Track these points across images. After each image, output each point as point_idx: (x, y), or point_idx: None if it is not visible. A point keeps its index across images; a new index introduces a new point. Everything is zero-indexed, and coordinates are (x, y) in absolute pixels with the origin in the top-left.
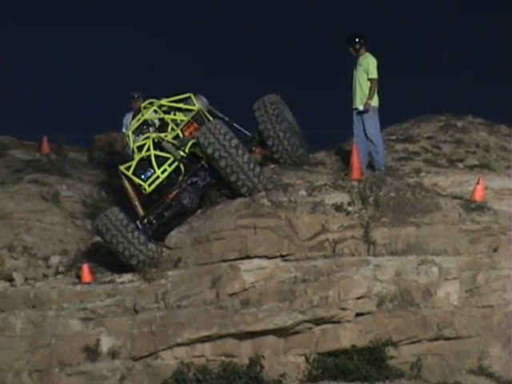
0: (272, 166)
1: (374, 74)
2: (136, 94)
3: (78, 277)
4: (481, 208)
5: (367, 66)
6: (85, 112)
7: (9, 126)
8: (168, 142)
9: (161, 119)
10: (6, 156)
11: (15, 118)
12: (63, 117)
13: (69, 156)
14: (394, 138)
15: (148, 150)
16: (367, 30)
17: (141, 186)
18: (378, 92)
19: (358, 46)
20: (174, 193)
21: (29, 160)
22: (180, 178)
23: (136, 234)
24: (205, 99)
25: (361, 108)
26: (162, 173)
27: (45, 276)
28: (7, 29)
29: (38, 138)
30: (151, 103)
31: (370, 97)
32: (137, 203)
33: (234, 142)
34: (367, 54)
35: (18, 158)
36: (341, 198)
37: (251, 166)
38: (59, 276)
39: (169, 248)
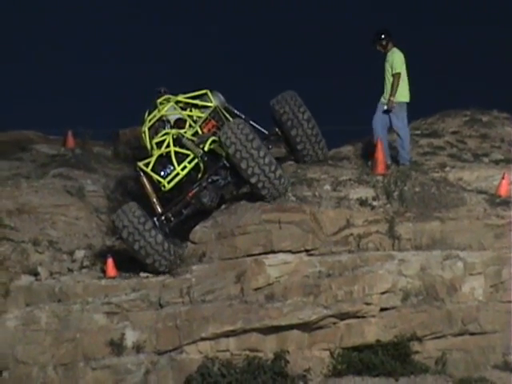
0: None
1: (398, 69)
2: (162, 89)
3: (103, 271)
4: (506, 203)
5: (392, 61)
6: (110, 106)
7: (34, 120)
8: (188, 138)
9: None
10: (31, 150)
11: (40, 113)
12: (88, 111)
13: (94, 150)
14: (418, 132)
15: (167, 146)
16: (391, 26)
17: (160, 182)
18: (408, 87)
19: (384, 43)
20: (194, 191)
21: (54, 154)
22: (199, 176)
23: (153, 233)
24: (221, 96)
25: (385, 107)
26: (182, 170)
27: (70, 270)
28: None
29: (63, 132)
30: (167, 99)
31: (393, 93)
32: (155, 200)
33: (256, 143)
34: (394, 49)
35: (43, 153)
36: (365, 192)
37: (272, 168)
38: (84, 270)
39: (193, 243)
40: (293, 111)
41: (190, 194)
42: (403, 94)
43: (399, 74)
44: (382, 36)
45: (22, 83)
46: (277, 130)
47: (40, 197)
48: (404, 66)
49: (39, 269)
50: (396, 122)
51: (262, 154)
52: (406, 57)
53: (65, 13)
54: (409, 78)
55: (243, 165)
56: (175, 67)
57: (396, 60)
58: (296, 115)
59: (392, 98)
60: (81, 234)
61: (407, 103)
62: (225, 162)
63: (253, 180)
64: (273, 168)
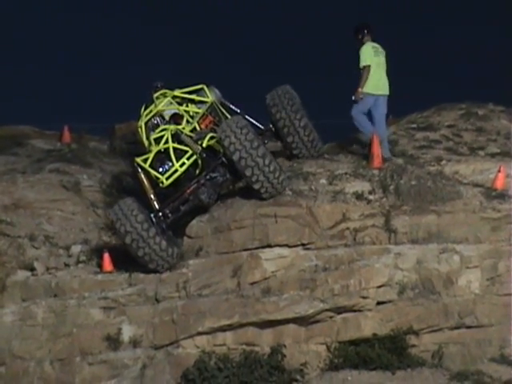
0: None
1: (363, 62)
2: (159, 84)
3: (99, 266)
4: (502, 196)
5: (359, 56)
6: (105, 101)
7: (30, 115)
8: (186, 135)
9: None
10: (27, 146)
11: (36, 108)
12: (84, 106)
13: (90, 145)
14: (414, 126)
15: (166, 142)
16: (387, 19)
17: (158, 178)
18: (379, 79)
19: (360, 37)
20: (192, 187)
21: (50, 149)
22: (197, 172)
23: (158, 239)
24: (218, 91)
25: (353, 97)
26: (181, 166)
27: (66, 265)
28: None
29: (59, 127)
30: (164, 94)
31: (361, 85)
32: (152, 196)
33: (262, 150)
34: (366, 43)
35: (38, 148)
36: (361, 186)
37: (276, 174)
38: (80, 265)
39: (190, 237)
40: (289, 117)
41: (188, 191)
42: (366, 85)
43: (364, 66)
44: (357, 31)
45: (18, 79)
46: (271, 126)
47: (36, 192)
48: (376, 59)
49: (35, 264)
50: (352, 110)
51: (267, 161)
52: (381, 50)
53: (63, 11)
54: (388, 72)
55: (248, 172)
56: (172, 64)
57: (361, 54)
58: (292, 122)
59: (359, 90)
60: (77, 228)
61: (381, 96)
62: (223, 159)
63: (256, 186)
64: (277, 174)
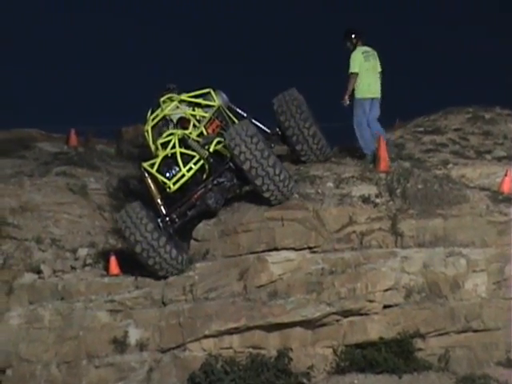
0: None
1: (350, 69)
2: (171, 86)
3: (106, 269)
4: (509, 200)
5: (349, 62)
6: (113, 104)
7: (37, 118)
8: (193, 139)
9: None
10: (34, 149)
11: (43, 111)
12: (91, 109)
13: (97, 148)
14: (421, 129)
15: (173, 147)
16: (393, 21)
17: (165, 184)
18: (371, 83)
19: (354, 41)
20: (199, 192)
21: (57, 153)
22: (204, 177)
23: (168, 248)
24: (224, 95)
25: (342, 102)
26: (188, 171)
27: (73, 268)
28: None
29: (66, 130)
30: (170, 98)
31: (346, 92)
32: (159, 201)
33: (272, 159)
34: (357, 48)
35: (46, 151)
36: (368, 189)
37: (286, 183)
38: (87, 268)
39: (197, 240)
40: (298, 126)
41: (196, 196)
42: (358, 91)
43: (351, 73)
44: (348, 35)
45: (25, 82)
46: (277, 129)
47: (43, 195)
48: (367, 64)
49: (42, 267)
50: (353, 118)
51: (277, 171)
52: (373, 53)
53: (66, 12)
54: (382, 75)
55: (258, 181)
56: (179, 65)
57: (351, 61)
58: (301, 131)
59: (346, 97)
60: (84, 231)
61: (374, 99)
62: (230, 164)
63: (266, 194)
64: (286, 183)
